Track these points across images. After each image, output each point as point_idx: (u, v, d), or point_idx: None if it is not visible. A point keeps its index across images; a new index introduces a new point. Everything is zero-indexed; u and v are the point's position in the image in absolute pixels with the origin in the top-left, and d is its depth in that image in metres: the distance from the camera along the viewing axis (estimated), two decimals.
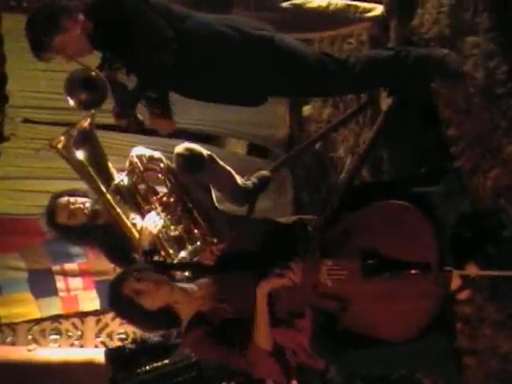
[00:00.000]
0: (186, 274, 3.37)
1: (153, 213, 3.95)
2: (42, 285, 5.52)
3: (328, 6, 3.81)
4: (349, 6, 3.86)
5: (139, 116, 3.43)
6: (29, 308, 5.52)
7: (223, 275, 3.02)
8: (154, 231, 3.88)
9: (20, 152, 5.23)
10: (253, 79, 3.37)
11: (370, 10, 3.91)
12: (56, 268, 5.53)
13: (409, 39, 3.68)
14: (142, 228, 3.91)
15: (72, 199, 3.92)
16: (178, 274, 3.32)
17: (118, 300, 3.02)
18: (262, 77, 3.36)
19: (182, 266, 3.57)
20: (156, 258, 3.46)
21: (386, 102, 3.71)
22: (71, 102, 3.35)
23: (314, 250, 2.83)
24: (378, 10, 3.92)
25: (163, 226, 3.92)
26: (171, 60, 3.21)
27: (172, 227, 3.95)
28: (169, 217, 3.95)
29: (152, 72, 3.25)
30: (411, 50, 3.43)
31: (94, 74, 3.26)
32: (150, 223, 3.90)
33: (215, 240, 3.87)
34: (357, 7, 3.87)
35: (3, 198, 5.30)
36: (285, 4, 3.76)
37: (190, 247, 3.92)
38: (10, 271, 5.49)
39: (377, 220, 2.83)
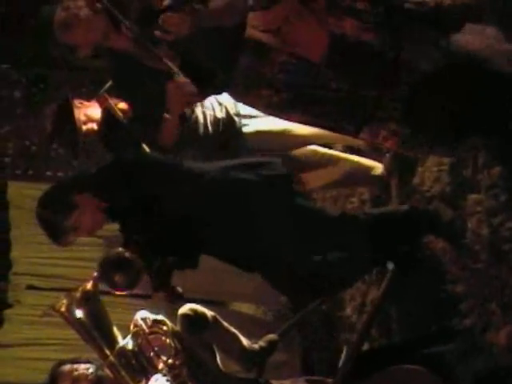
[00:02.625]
0: None
1: (158, 375, 3.86)
2: None
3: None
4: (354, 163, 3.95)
5: (178, 288, 3.39)
6: None
7: None
8: None
9: (24, 319, 5.20)
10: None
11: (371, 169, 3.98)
12: None
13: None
14: None
15: (75, 366, 3.85)
16: None
17: None
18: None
19: None
20: None
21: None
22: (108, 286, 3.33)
23: None
24: (378, 168, 3.99)
25: None
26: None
27: None
28: (174, 380, 3.87)
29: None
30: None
31: (127, 254, 3.24)
32: None
33: None
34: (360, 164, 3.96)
35: (5, 367, 5.20)
36: None
37: None
38: None
39: None
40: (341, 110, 2.94)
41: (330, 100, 2.94)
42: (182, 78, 3.34)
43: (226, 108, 3.84)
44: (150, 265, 3.27)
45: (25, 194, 5.34)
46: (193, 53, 3.22)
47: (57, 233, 3.31)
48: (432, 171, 3.60)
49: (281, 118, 3.51)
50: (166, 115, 3.50)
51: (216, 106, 3.86)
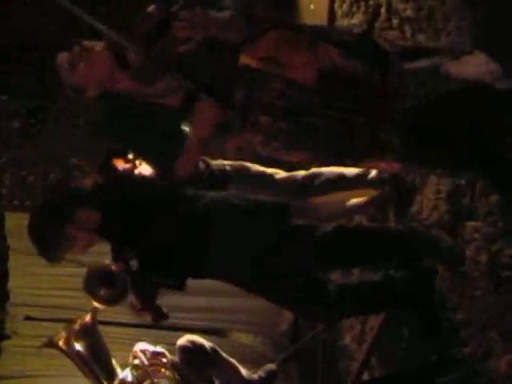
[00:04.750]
0: None
1: None
2: None
3: None
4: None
5: (163, 309, 3.36)
6: None
7: None
8: None
9: (21, 350, 5.15)
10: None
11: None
12: None
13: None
14: None
15: None
16: None
17: None
18: None
19: None
20: None
21: None
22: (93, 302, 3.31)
23: None
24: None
25: None
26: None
27: None
28: None
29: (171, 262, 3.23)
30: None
31: (113, 268, 3.22)
32: None
33: None
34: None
35: None
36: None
37: None
38: None
39: None
40: (339, 142, 2.94)
41: (326, 130, 2.93)
42: (208, 99, 3.20)
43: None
44: (136, 283, 3.25)
45: (22, 225, 5.28)
46: (201, 72, 3.13)
47: (48, 246, 3.20)
48: (430, 199, 3.61)
49: (278, 157, 3.49)
50: (190, 140, 3.33)
51: None
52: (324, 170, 3.89)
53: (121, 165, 3.72)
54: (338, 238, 3.30)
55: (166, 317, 3.39)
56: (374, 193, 3.98)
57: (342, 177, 3.90)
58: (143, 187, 3.35)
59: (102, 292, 3.22)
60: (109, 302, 3.29)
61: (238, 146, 3.42)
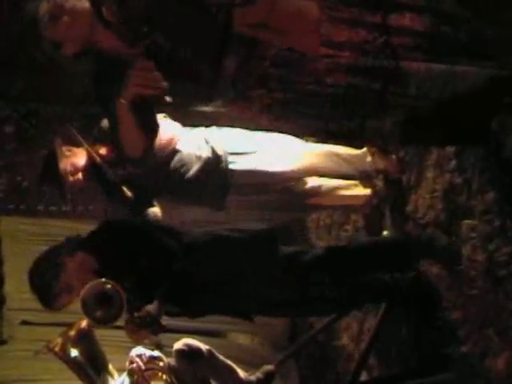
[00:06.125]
0: None
1: None
2: None
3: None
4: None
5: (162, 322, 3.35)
6: None
7: None
8: None
9: (18, 354, 5.15)
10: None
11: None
12: None
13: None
14: None
15: None
16: None
17: None
18: None
19: None
20: None
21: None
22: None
23: None
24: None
25: None
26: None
27: None
28: None
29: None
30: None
31: (109, 286, 3.21)
32: None
33: None
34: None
35: None
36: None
37: None
38: None
39: None
40: (339, 108, 2.75)
41: (326, 98, 2.71)
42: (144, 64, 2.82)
43: (212, 147, 3.84)
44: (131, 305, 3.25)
45: (18, 229, 5.32)
46: (169, 39, 2.76)
47: (47, 296, 3.31)
48: (425, 198, 3.60)
49: (274, 128, 3.39)
50: (120, 100, 2.91)
51: (202, 145, 3.86)
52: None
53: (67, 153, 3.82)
54: (331, 259, 3.33)
55: (163, 328, 3.39)
56: (367, 191, 3.99)
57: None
58: (135, 229, 3.39)
59: (98, 313, 3.21)
60: (106, 321, 3.29)
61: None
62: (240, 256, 3.31)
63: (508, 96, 2.76)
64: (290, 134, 3.79)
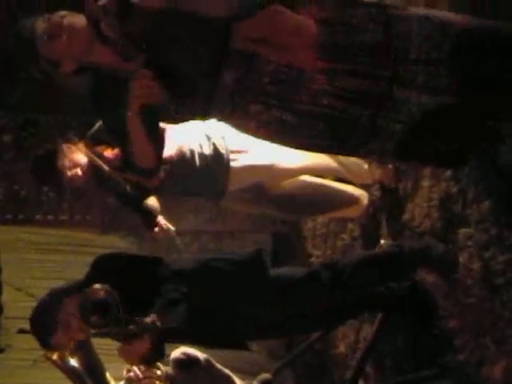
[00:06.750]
0: None
1: None
2: None
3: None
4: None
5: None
6: None
7: None
8: None
9: (16, 363, 5.15)
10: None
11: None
12: None
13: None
14: None
15: None
16: None
17: None
18: None
19: None
20: None
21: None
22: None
23: None
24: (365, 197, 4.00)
25: None
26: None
27: None
28: None
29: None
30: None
31: (105, 293, 3.22)
32: None
33: None
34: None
35: None
36: None
37: None
38: None
39: None
40: (335, 130, 2.74)
41: (323, 119, 2.69)
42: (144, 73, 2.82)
43: (214, 144, 3.85)
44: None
45: (16, 238, 5.33)
46: (166, 50, 2.75)
47: (47, 335, 3.34)
48: (422, 207, 3.61)
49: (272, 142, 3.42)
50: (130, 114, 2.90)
51: (204, 142, 3.86)
52: None
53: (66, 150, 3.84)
54: (325, 276, 3.35)
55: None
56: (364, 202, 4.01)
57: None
58: (125, 262, 3.42)
59: (93, 319, 3.23)
60: (101, 326, 3.30)
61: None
62: (229, 283, 3.34)
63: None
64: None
